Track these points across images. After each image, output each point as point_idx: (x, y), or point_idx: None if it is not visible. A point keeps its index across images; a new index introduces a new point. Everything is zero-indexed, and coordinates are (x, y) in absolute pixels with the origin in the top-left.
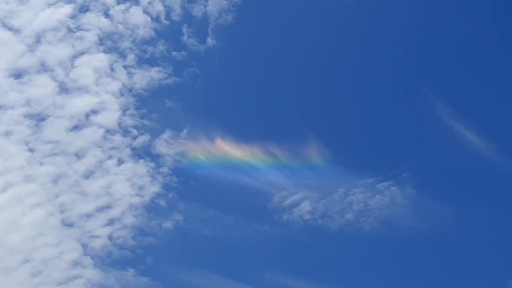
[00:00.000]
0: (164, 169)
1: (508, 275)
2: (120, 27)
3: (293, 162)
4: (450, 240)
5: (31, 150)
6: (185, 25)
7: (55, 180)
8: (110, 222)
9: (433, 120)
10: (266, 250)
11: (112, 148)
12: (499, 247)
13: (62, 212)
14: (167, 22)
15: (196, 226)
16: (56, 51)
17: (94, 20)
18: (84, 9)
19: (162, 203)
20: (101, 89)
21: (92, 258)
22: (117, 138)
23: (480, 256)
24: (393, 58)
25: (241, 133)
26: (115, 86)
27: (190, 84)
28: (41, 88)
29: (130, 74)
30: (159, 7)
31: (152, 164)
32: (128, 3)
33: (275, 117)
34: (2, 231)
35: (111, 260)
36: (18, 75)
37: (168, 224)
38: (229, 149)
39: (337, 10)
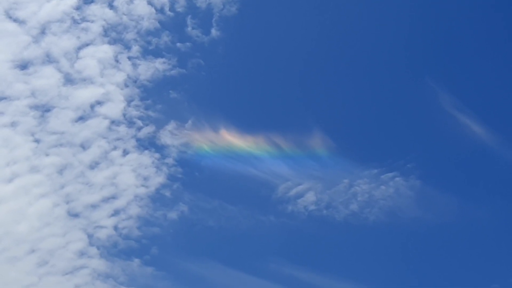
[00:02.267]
0: (169, 160)
1: None
2: (125, 18)
3: (297, 153)
4: (455, 230)
5: (37, 141)
6: (189, 16)
7: (61, 170)
8: (116, 212)
9: (437, 111)
10: (271, 241)
11: (117, 139)
12: (503, 237)
13: (67, 202)
14: (171, 14)
15: (201, 216)
16: (61, 42)
17: (99, 12)
18: (88, 0)
19: (167, 193)
20: (106, 80)
21: (98, 248)
22: (122, 129)
23: (484, 246)
24: (397, 49)
25: (246, 123)
26: (120, 77)
27: (195, 75)
28: (46, 79)
29: (134, 65)
30: None
31: (157, 155)
32: None
33: (279, 107)
34: (8, 221)
35: (116, 250)
36: (23, 66)
37: (173, 215)
38: (233, 140)
39: (341, 1)
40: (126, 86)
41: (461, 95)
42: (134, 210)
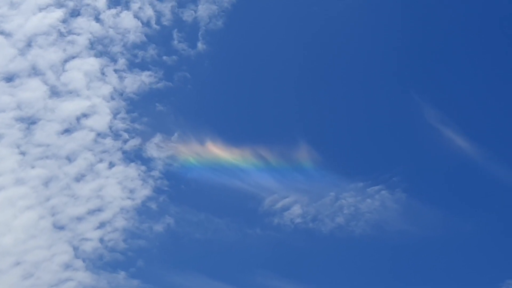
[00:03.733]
0: (155, 173)
1: (497, 278)
2: (111, 31)
3: (283, 166)
4: (440, 243)
5: (23, 153)
6: (176, 30)
7: (46, 183)
8: (101, 225)
9: (422, 124)
10: (257, 253)
11: (103, 152)
12: (488, 250)
13: (53, 215)
14: (157, 27)
15: (187, 229)
16: (47, 55)
17: (85, 25)
18: (75, 13)
19: (153, 206)
20: (92, 93)
21: (84, 261)
22: (108, 142)
23: (469, 259)
24: (383, 63)
25: (232, 136)
26: (106, 90)
27: (181, 88)
28: (32, 91)
29: (121, 78)
30: (149, 12)
31: (143, 168)
32: (119, 8)
33: (265, 120)
34: None
35: (102, 262)
36: (9, 78)
37: (159, 227)
38: (220, 153)
39: (328, 17)
40: (112, 98)
41: (446, 109)
42: (120, 222)
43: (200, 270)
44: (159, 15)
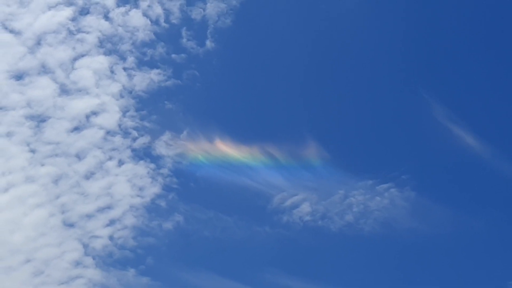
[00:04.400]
0: (164, 170)
1: (507, 277)
2: (120, 29)
3: (292, 164)
4: (449, 242)
5: (32, 151)
6: (184, 28)
7: (56, 180)
8: (111, 222)
9: (431, 122)
10: (266, 251)
11: (113, 149)
12: (498, 249)
13: (63, 212)
14: (166, 25)
15: (196, 226)
16: (56, 53)
17: (94, 23)
18: (84, 11)
19: (163, 204)
20: (101, 91)
21: (93, 258)
22: (118, 139)
23: (479, 258)
24: (391, 61)
25: (241, 134)
26: (115, 88)
27: (190, 86)
28: (42, 89)
29: (130, 76)
30: (158, 10)
31: (152, 165)
32: (128, 6)
33: (274, 118)
34: (3, 231)
35: (112, 260)
36: (19, 76)
37: (168, 225)
38: (228, 150)
39: (335, 13)
40: (122, 96)
41: (455, 107)
42: (130, 220)
43: (209, 268)
44: (167, 13)
